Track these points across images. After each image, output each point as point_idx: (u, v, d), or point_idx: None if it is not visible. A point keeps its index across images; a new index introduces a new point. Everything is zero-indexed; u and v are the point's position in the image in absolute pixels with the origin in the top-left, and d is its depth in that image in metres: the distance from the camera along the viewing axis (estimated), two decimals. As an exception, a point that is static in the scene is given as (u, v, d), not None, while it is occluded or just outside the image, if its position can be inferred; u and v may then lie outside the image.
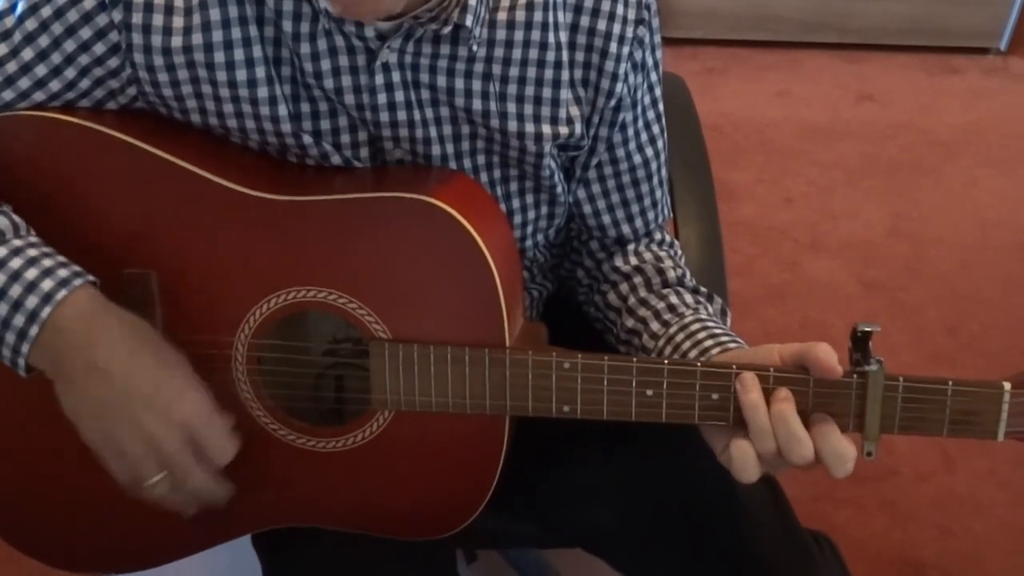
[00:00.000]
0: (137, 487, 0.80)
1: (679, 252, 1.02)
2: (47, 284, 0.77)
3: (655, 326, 0.92)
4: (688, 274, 0.98)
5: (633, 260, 0.98)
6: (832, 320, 2.08)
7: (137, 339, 0.79)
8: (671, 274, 0.96)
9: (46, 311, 0.77)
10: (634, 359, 0.80)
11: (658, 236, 1.01)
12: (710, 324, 0.90)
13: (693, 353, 0.87)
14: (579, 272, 1.03)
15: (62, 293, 0.77)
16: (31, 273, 0.77)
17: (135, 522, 0.93)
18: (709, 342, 0.87)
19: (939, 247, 2.32)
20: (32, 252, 0.79)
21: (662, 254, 0.99)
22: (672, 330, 0.90)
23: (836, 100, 2.87)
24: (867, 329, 0.76)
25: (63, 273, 0.78)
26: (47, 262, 0.78)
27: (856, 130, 2.74)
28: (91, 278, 0.80)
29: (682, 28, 3.00)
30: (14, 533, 0.96)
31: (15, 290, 0.77)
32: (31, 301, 0.77)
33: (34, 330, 0.77)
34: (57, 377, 0.79)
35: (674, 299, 0.94)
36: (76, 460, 0.89)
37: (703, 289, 0.97)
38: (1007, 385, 0.76)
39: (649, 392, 0.80)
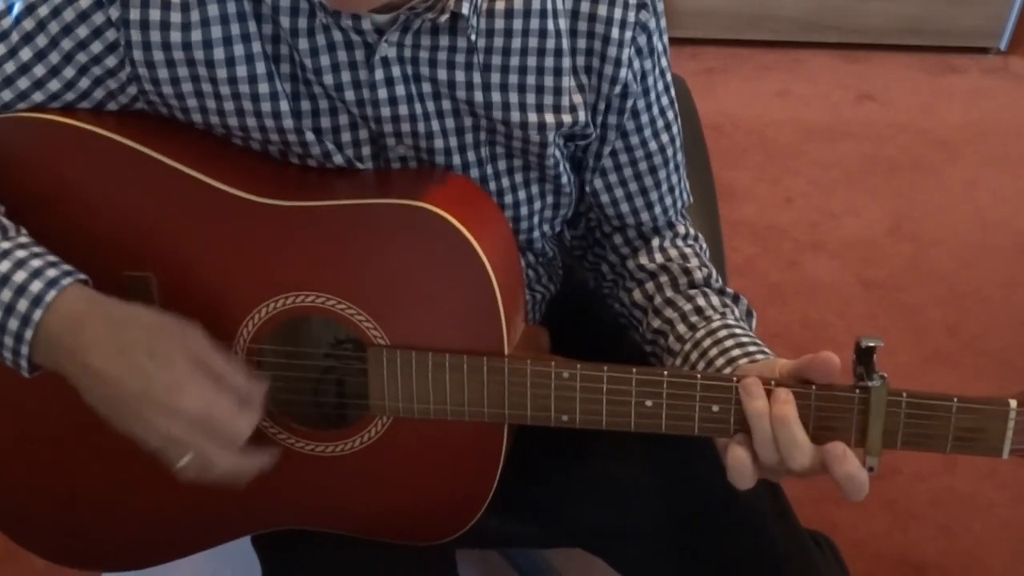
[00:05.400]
0: (173, 470, 0.78)
1: (704, 246, 1.00)
2: (36, 286, 0.77)
3: (682, 328, 0.91)
4: (714, 273, 0.96)
5: (659, 258, 0.97)
6: (832, 320, 2.07)
7: (128, 333, 0.77)
8: (698, 275, 0.95)
9: (38, 314, 0.77)
10: (633, 369, 0.79)
11: (681, 230, 1.00)
12: (738, 331, 0.89)
13: (720, 361, 0.86)
14: (603, 267, 1.02)
15: (51, 294, 0.77)
16: (19, 276, 0.77)
17: (137, 520, 0.93)
18: (737, 351, 0.86)
19: (939, 247, 2.32)
20: (20, 254, 0.78)
21: (687, 251, 0.97)
22: (699, 334, 0.89)
23: (836, 100, 2.86)
24: (871, 344, 0.74)
25: (52, 273, 0.78)
26: (35, 263, 0.78)
27: (856, 130, 2.73)
28: (81, 276, 0.79)
29: (682, 28, 2.99)
30: (17, 529, 0.96)
31: (5, 294, 0.77)
32: (22, 304, 0.77)
33: (28, 333, 0.77)
34: (67, 376, 0.78)
35: (701, 301, 0.93)
36: (79, 458, 0.89)
37: (729, 290, 0.95)
38: (1013, 403, 0.75)
39: (648, 403, 0.79)
